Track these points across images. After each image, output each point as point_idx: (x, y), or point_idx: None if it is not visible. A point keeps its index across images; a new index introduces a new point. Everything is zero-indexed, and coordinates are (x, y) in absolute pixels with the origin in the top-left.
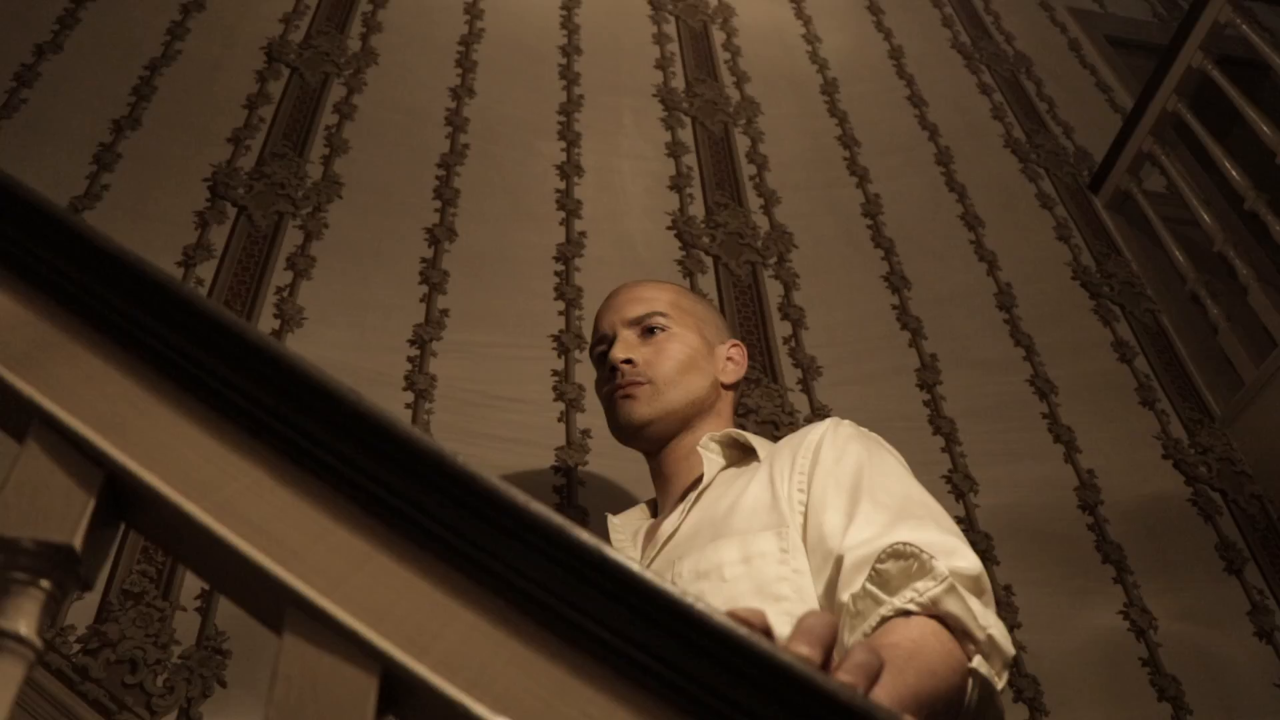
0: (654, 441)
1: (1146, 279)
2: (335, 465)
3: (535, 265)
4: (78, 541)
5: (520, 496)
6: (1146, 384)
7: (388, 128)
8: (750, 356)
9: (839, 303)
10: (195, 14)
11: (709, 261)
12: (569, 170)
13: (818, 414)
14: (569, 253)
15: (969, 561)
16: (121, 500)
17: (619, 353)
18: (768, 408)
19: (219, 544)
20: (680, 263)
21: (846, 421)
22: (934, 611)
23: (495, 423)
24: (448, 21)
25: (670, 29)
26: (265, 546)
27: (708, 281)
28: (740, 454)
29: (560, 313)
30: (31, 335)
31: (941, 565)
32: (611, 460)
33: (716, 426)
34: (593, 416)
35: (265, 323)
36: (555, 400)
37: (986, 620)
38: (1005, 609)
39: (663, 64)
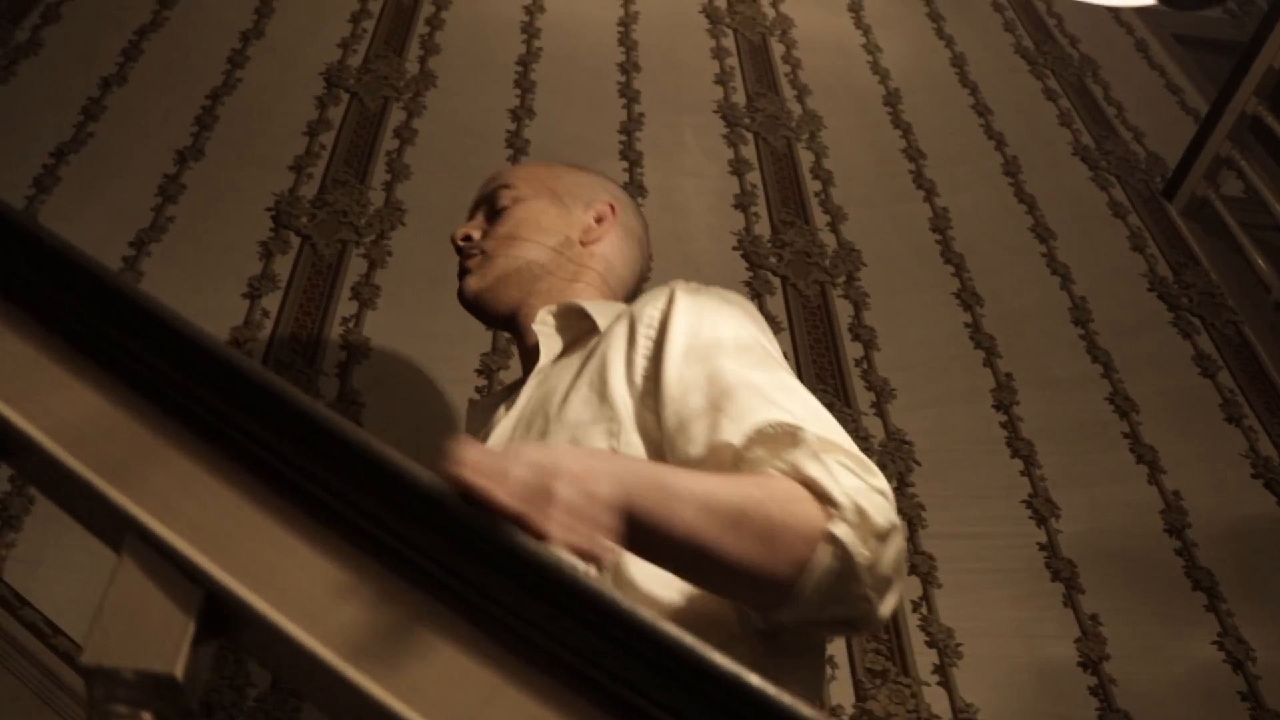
0: (499, 315)
1: (1227, 289)
2: (453, 584)
3: None
4: (179, 671)
5: (650, 617)
6: (1231, 399)
7: (449, 151)
8: (822, 379)
9: (910, 322)
10: (254, 41)
11: (777, 282)
12: (632, 190)
13: (892, 439)
14: None
15: (880, 480)
16: (220, 617)
17: (458, 232)
18: None
19: (330, 673)
20: (748, 284)
21: (691, 284)
22: (795, 476)
23: None
24: (505, 42)
25: (729, 42)
26: (382, 677)
27: (776, 303)
28: (587, 325)
29: None
30: (125, 439)
31: (810, 431)
32: None
33: (579, 293)
34: None
35: (332, 354)
36: None
37: (853, 486)
38: (1093, 639)
39: (722, 79)
